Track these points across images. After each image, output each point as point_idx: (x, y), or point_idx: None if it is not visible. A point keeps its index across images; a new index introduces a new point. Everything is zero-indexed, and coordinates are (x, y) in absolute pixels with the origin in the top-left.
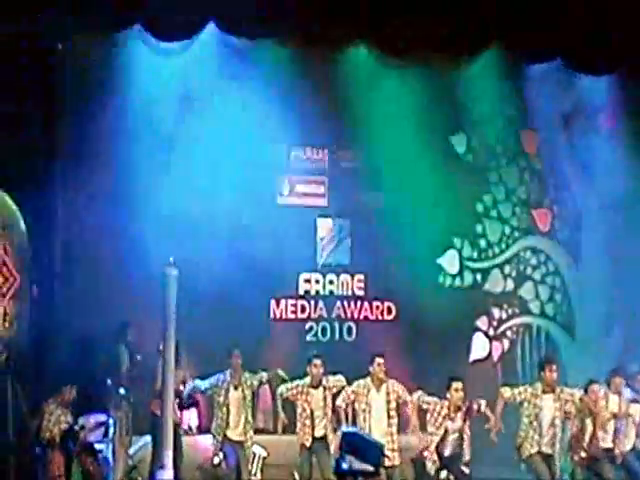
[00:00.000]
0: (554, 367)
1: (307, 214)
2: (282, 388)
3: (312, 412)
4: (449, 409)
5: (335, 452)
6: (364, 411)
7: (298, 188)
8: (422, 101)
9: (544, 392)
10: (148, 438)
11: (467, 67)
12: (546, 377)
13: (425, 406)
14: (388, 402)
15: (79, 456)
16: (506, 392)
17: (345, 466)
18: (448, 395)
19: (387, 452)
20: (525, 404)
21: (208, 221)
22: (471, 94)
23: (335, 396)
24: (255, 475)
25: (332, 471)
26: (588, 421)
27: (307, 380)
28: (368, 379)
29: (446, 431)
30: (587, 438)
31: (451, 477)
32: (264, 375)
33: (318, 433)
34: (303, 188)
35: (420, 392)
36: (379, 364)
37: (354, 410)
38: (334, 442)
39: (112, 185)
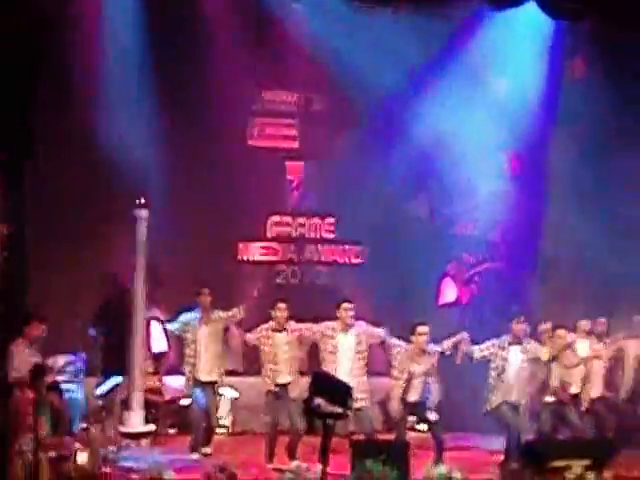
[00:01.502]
0: (522, 319)
1: (278, 156)
2: (249, 335)
3: (276, 356)
4: (414, 352)
5: (304, 394)
6: (331, 353)
7: (269, 130)
8: (389, 49)
9: (511, 344)
10: (119, 379)
11: (447, 13)
12: (514, 329)
13: (392, 348)
14: (358, 344)
15: (47, 396)
16: (475, 353)
17: (314, 407)
18: (413, 339)
19: (357, 394)
20: (492, 358)
21: (179, 162)
22: (443, 38)
23: (300, 339)
24: (226, 417)
25: (300, 412)
26: (555, 366)
27: (271, 324)
28: (336, 322)
29: (411, 375)
30: (554, 383)
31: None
32: (236, 311)
33: (283, 379)
34: (274, 130)
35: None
36: (346, 309)
37: (320, 352)
38: (298, 387)
39: (84, 125)
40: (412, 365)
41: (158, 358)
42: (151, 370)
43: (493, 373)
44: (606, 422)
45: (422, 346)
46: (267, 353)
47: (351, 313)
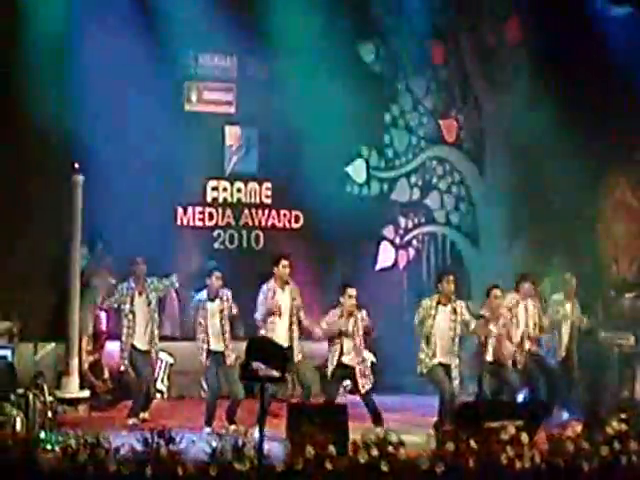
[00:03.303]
0: (451, 278)
1: (215, 121)
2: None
3: (207, 325)
4: (342, 313)
5: (240, 359)
6: (274, 314)
7: (206, 95)
8: (331, 10)
9: (439, 303)
10: (53, 345)
11: None
12: (443, 288)
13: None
14: (293, 299)
15: None
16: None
17: (251, 372)
18: (342, 299)
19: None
20: (424, 322)
21: (117, 127)
22: (379, 3)
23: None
24: (162, 382)
25: (238, 377)
26: (492, 326)
27: (204, 293)
28: (272, 281)
29: (342, 336)
30: (491, 344)
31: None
32: (171, 280)
33: (216, 346)
34: (211, 95)
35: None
36: (284, 265)
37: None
38: (234, 353)
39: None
40: (343, 325)
41: (96, 336)
42: (90, 348)
43: (425, 338)
44: (538, 381)
45: (350, 309)
46: (200, 321)
47: (288, 270)
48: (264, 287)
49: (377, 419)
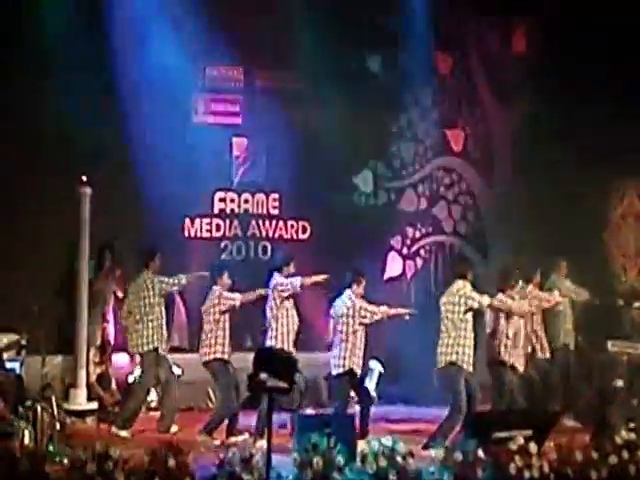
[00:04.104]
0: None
1: (222, 133)
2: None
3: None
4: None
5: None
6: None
7: (213, 107)
8: (338, 21)
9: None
10: (61, 357)
11: None
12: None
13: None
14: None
15: None
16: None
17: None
18: (354, 286)
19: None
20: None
21: (124, 140)
22: (386, 15)
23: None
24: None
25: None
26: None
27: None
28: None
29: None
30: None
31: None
32: (181, 277)
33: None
34: (218, 107)
35: None
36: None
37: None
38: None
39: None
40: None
41: (104, 347)
42: (97, 360)
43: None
44: (535, 384)
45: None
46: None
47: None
48: (283, 278)
49: (364, 430)
